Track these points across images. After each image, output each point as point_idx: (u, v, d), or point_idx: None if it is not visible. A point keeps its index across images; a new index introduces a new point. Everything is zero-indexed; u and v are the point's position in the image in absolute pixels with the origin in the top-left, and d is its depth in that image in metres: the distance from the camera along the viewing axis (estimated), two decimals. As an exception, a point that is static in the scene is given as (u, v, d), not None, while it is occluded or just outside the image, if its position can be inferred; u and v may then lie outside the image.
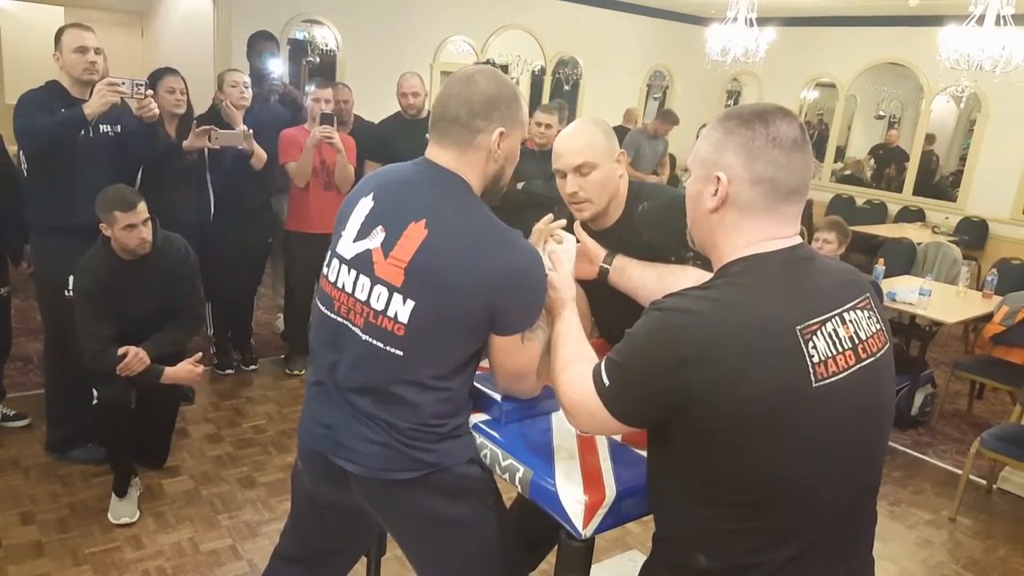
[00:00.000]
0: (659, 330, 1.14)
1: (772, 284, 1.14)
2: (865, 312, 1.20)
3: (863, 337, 1.17)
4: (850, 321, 1.16)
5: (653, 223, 1.86)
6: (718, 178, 1.18)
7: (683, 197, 1.98)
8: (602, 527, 1.39)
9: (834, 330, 1.13)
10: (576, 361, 1.38)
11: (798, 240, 1.21)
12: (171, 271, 2.87)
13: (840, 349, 1.13)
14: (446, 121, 1.46)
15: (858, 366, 1.15)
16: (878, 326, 1.21)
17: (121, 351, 2.67)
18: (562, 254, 1.62)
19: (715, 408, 1.08)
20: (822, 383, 1.09)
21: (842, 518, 1.20)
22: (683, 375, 1.09)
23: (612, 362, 1.20)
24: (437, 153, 1.49)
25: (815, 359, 1.09)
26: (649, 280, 1.75)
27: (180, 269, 2.91)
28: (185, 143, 3.40)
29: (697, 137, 1.31)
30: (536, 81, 9.38)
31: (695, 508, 1.18)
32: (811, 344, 1.10)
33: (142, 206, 2.70)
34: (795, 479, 1.12)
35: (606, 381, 1.20)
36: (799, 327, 1.10)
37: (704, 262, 1.72)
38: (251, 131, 3.65)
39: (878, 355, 1.19)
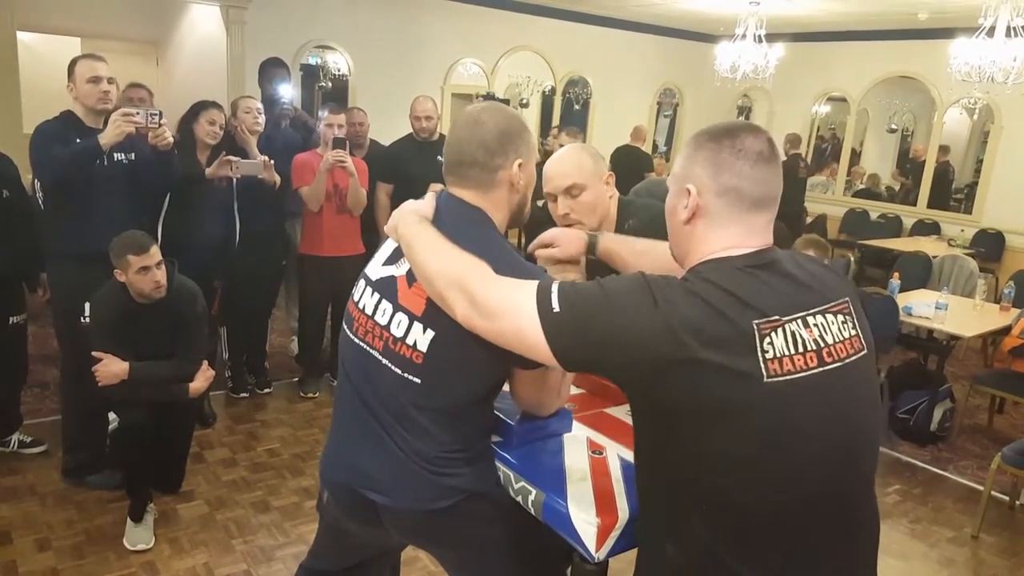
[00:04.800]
0: (636, 292, 1.14)
1: (731, 282, 1.15)
2: (839, 317, 1.20)
3: (829, 341, 1.17)
4: (814, 325, 1.16)
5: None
6: (688, 190, 1.23)
7: None
8: (616, 550, 1.38)
9: (796, 331, 1.14)
10: (480, 264, 1.29)
11: (765, 246, 1.22)
12: (180, 316, 2.89)
13: (799, 350, 1.13)
14: (464, 166, 1.47)
15: (820, 369, 1.14)
16: (853, 332, 1.21)
17: (97, 354, 2.69)
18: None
19: (666, 389, 1.11)
20: (774, 379, 1.10)
21: (825, 527, 1.18)
22: (643, 342, 1.10)
23: (573, 291, 1.17)
24: (461, 192, 1.50)
25: (768, 355, 1.11)
26: (640, 249, 1.70)
27: (188, 315, 2.91)
28: (208, 171, 3.44)
29: None
30: (546, 101, 9.46)
31: (662, 496, 1.20)
32: (767, 340, 1.11)
33: (155, 249, 2.74)
34: (752, 471, 1.12)
35: (555, 306, 1.16)
36: (756, 321, 1.12)
37: None
38: (272, 161, 3.71)
39: (847, 361, 1.18)
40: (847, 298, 1.23)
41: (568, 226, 1.88)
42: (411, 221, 1.42)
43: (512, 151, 1.47)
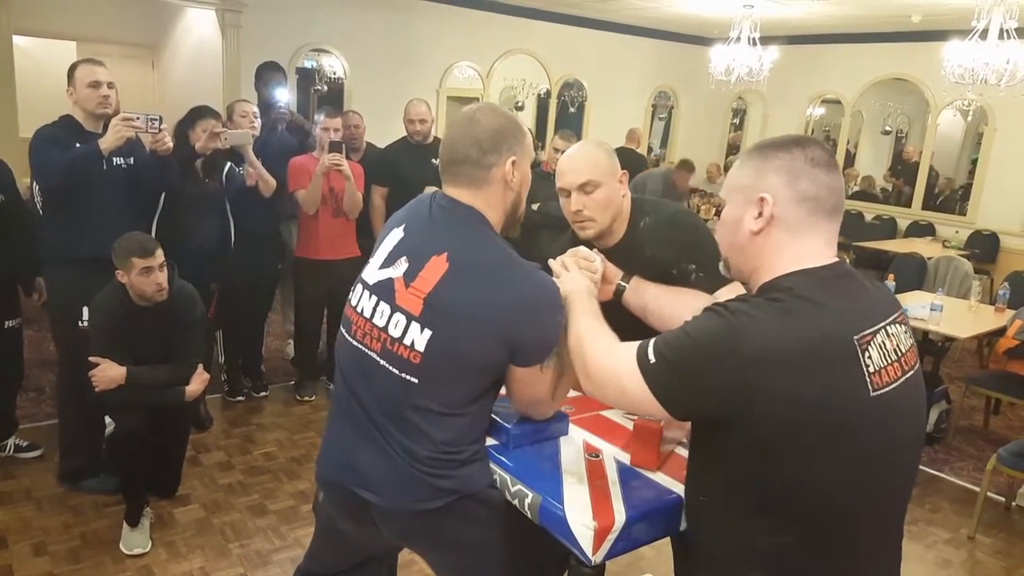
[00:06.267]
0: (723, 327, 1.15)
1: (826, 295, 1.16)
2: (902, 327, 1.23)
3: (903, 350, 1.20)
4: (892, 334, 1.19)
5: (654, 239, 1.88)
6: (763, 199, 1.21)
7: (683, 213, 2.02)
8: (612, 553, 1.39)
9: (883, 342, 1.16)
10: (603, 335, 1.39)
11: (836, 258, 1.23)
12: (179, 319, 2.89)
13: (890, 360, 1.16)
14: (457, 164, 1.49)
15: (904, 378, 1.18)
16: (911, 341, 1.24)
17: (94, 359, 2.69)
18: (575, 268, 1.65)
19: (775, 415, 1.10)
20: (878, 392, 1.12)
21: (884, 531, 1.23)
22: (743, 374, 1.10)
23: (663, 343, 1.21)
24: (455, 191, 1.51)
25: (871, 368, 1.12)
26: (665, 303, 1.76)
27: (187, 319, 2.92)
28: (199, 145, 3.39)
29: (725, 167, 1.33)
30: (542, 104, 9.46)
31: (751, 523, 1.19)
32: (867, 354, 1.13)
33: (159, 252, 2.75)
34: (853, 487, 1.14)
35: (652, 358, 1.20)
36: (856, 337, 1.13)
37: (708, 276, 1.73)
38: (273, 182, 3.76)
39: (916, 369, 1.23)
40: (902, 310, 1.26)
41: (579, 223, 1.87)
42: (577, 298, 1.49)
43: (506, 149, 1.48)
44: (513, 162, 1.49)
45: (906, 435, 1.20)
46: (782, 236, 1.21)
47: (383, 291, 1.49)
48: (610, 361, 1.29)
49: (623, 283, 1.83)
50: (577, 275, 1.59)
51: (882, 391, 1.13)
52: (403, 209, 1.63)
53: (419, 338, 1.41)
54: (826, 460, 1.12)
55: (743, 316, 1.14)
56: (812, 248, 1.20)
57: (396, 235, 1.54)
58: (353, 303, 1.56)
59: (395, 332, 1.44)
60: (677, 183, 6.58)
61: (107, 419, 3.09)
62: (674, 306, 1.69)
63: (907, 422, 1.20)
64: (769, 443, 1.12)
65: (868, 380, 1.12)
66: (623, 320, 1.77)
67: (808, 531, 1.16)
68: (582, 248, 1.72)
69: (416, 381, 1.42)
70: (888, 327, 1.18)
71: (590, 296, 1.52)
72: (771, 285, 1.20)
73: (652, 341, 1.23)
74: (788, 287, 1.17)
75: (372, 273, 1.54)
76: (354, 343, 1.53)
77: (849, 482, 1.14)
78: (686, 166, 6.77)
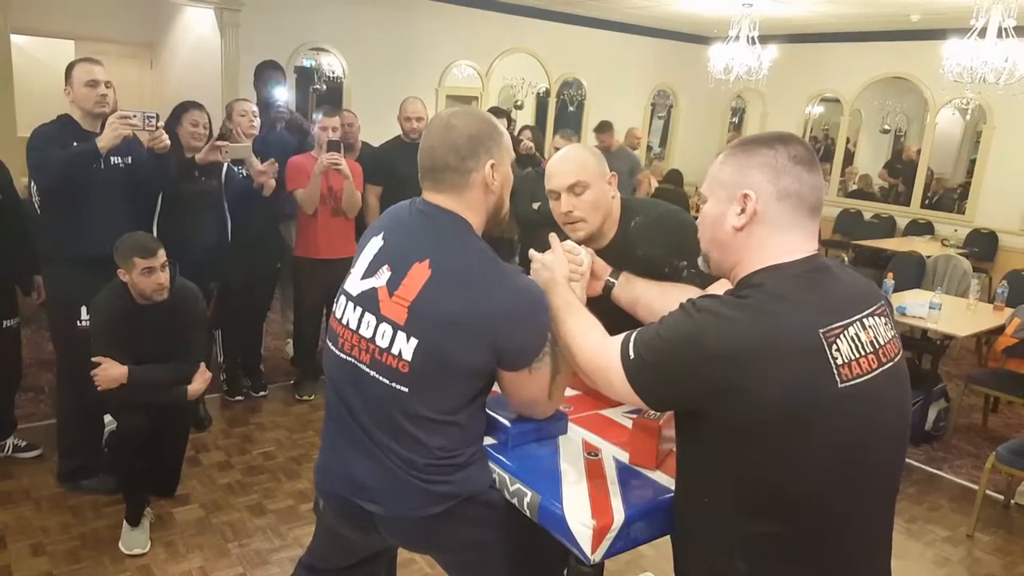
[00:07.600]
0: (689, 326, 1.18)
1: (794, 291, 1.17)
2: (882, 319, 1.23)
3: (882, 343, 1.20)
4: (870, 327, 1.19)
5: (645, 238, 1.90)
6: (746, 196, 1.22)
7: (673, 211, 2.03)
8: (611, 551, 1.38)
9: (856, 334, 1.17)
10: (592, 329, 1.43)
11: (815, 251, 1.24)
12: (180, 318, 2.89)
13: (863, 352, 1.16)
14: (437, 171, 1.49)
15: (880, 370, 1.18)
16: (892, 332, 1.25)
17: (96, 359, 2.69)
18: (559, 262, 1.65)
19: (744, 408, 1.12)
20: (847, 384, 1.13)
21: (869, 523, 1.23)
22: (709, 371, 1.14)
23: (640, 339, 1.26)
24: (436, 197, 1.51)
25: (839, 361, 1.13)
26: (654, 297, 1.77)
27: (189, 317, 2.92)
28: (198, 156, 3.41)
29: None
30: (541, 103, 9.46)
31: (732, 514, 1.20)
32: (834, 347, 1.13)
33: (161, 252, 2.74)
34: (829, 479, 1.15)
35: (631, 354, 1.25)
36: (822, 330, 1.14)
37: (699, 272, 1.74)
38: (275, 164, 3.75)
39: (896, 360, 1.23)
40: (882, 302, 1.26)
41: (570, 224, 1.88)
42: (557, 291, 1.53)
43: (484, 153, 1.48)
44: (492, 165, 1.49)
45: (885, 426, 1.20)
46: (764, 232, 1.22)
47: (367, 302, 1.47)
48: (597, 357, 1.35)
49: (612, 279, 1.84)
50: (550, 263, 1.60)
51: (852, 383, 1.13)
52: (381, 217, 1.62)
53: (406, 347, 1.40)
54: (797, 452, 1.13)
55: (707, 314, 1.17)
56: (792, 244, 1.22)
57: (376, 244, 1.53)
58: (338, 315, 1.54)
59: (383, 343, 1.43)
60: (603, 145, 6.53)
61: (106, 418, 3.09)
62: (663, 300, 1.70)
63: (886, 413, 1.20)
64: (740, 437, 1.15)
65: (836, 372, 1.13)
66: (612, 315, 1.78)
67: (788, 522, 1.17)
68: (568, 242, 1.73)
69: (406, 390, 1.41)
70: (864, 319, 1.19)
71: (564, 286, 1.55)
72: (744, 281, 1.23)
73: (633, 336, 1.27)
74: (758, 283, 1.19)
75: (354, 284, 1.52)
76: (343, 356, 1.51)
77: (824, 473, 1.15)
78: (602, 127, 6.75)
